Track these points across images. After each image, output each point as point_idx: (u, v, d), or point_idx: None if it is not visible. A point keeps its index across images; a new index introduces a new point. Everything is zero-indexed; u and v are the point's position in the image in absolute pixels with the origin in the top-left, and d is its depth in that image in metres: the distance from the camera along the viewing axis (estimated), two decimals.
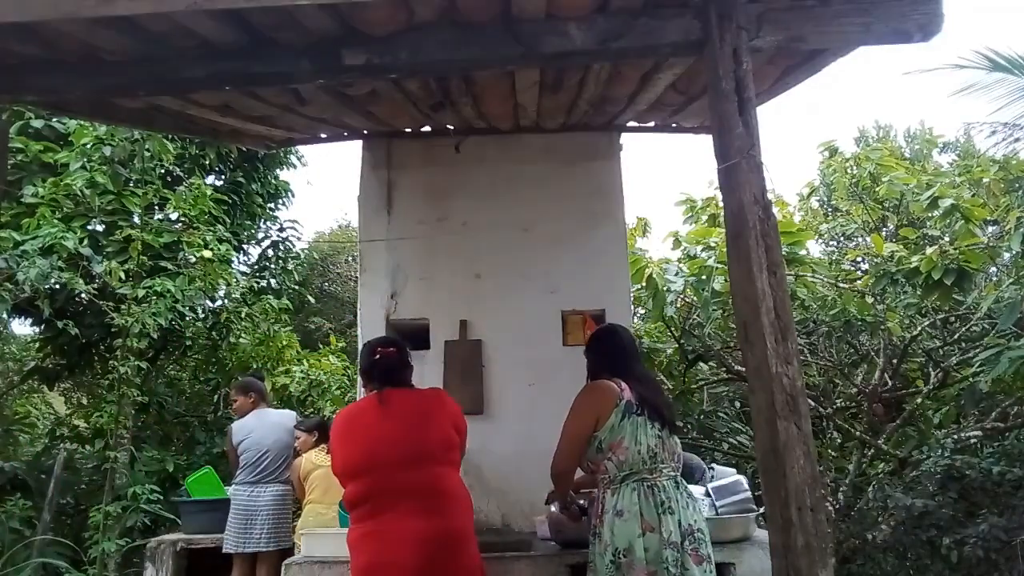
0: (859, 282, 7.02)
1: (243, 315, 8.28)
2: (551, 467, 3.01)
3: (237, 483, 5.15)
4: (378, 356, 2.99)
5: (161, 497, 6.99)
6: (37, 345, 8.52)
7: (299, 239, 10.43)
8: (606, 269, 4.38)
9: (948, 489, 5.87)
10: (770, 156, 2.35)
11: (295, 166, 10.29)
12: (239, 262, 9.50)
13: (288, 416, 5.37)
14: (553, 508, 3.38)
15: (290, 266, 9.93)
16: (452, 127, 4.28)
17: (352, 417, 2.97)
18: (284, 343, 9.00)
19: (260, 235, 9.98)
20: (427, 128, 4.40)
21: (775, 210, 2.46)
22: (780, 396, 2.16)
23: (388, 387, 2.93)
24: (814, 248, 9.17)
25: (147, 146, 7.03)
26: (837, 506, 6.71)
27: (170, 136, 7.10)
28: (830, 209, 9.91)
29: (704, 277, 5.82)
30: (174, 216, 7.94)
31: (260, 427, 5.21)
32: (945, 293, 5.76)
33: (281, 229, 10.14)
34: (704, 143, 6.61)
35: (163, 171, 7.83)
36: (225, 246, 7.80)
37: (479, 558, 2.89)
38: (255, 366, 8.43)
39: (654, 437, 2.87)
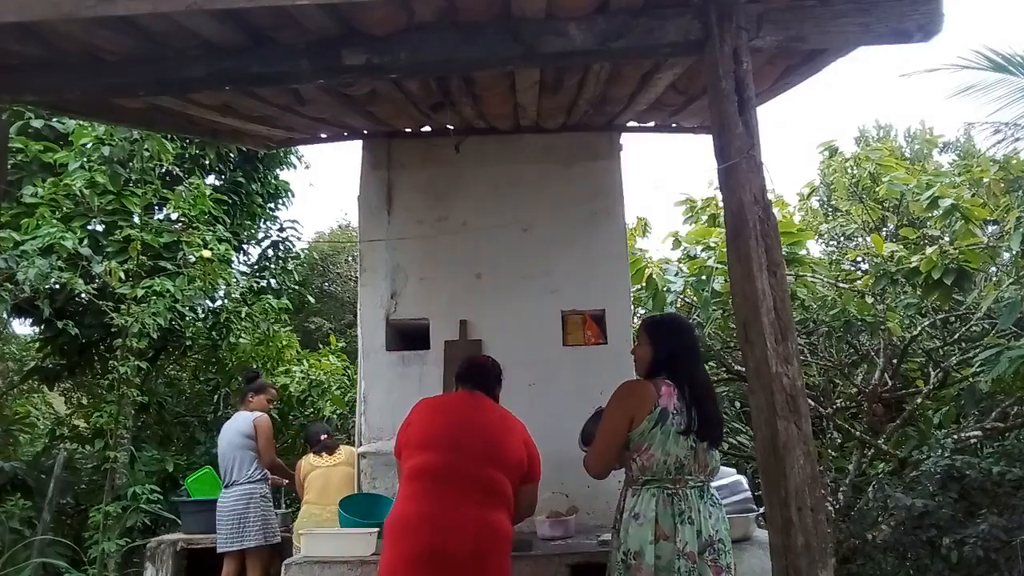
0: (859, 282, 7.02)
1: (243, 315, 8.28)
2: (586, 466, 2.95)
3: None
4: (473, 360, 3.30)
5: (161, 497, 7.00)
6: (37, 345, 8.51)
7: (299, 239, 10.44)
8: (606, 269, 4.38)
9: (948, 489, 5.87)
10: (770, 156, 2.35)
11: (295, 166, 10.28)
12: (239, 262, 9.50)
13: (244, 419, 5.27)
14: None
15: (290, 266, 9.92)
16: (452, 127, 4.28)
17: (443, 399, 3.21)
18: (284, 343, 9.00)
19: (260, 235, 9.97)
20: (427, 128, 4.40)
21: (775, 210, 2.46)
22: (780, 396, 2.16)
23: (477, 390, 3.10)
24: (814, 248, 9.19)
25: (146, 146, 7.02)
26: (837, 506, 6.71)
27: (170, 136, 7.09)
28: (830, 209, 9.91)
29: (704, 277, 5.83)
30: (174, 216, 7.94)
31: (222, 433, 5.30)
32: (945, 293, 5.76)
33: (281, 229, 10.14)
34: (704, 143, 6.61)
35: (163, 171, 7.83)
36: (225, 246, 7.79)
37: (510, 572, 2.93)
38: (255, 366, 8.43)
39: (685, 449, 2.77)
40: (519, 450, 2.97)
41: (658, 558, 2.69)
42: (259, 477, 5.12)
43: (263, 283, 9.14)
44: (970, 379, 6.66)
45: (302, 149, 9.83)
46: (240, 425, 5.19)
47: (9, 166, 6.55)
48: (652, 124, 4.44)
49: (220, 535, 5.03)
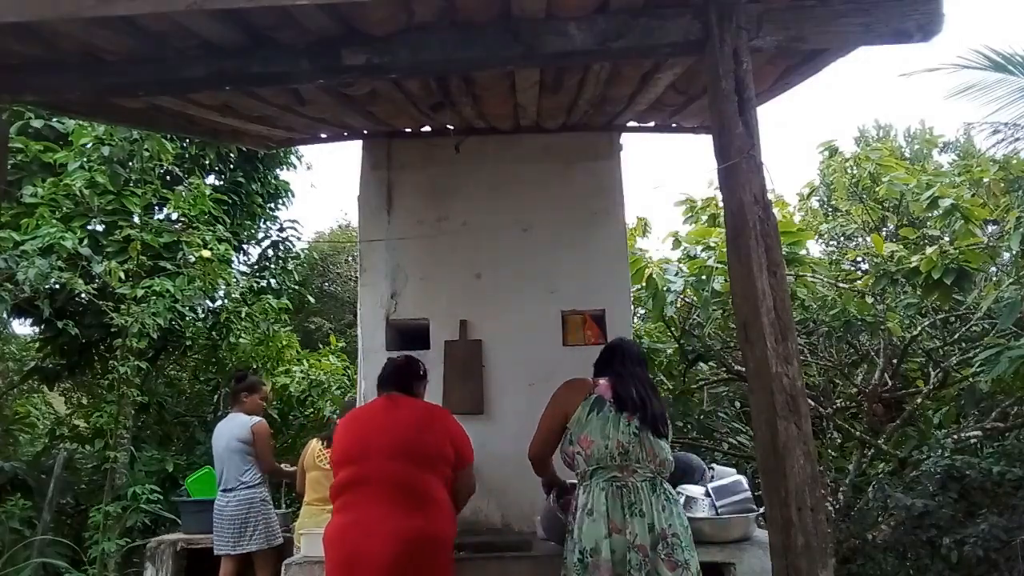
0: (859, 282, 7.01)
1: (243, 315, 8.27)
2: (529, 455, 3.14)
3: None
4: (391, 362, 3.29)
5: (161, 497, 7.00)
6: (37, 345, 8.51)
7: (299, 239, 10.43)
8: (606, 269, 4.38)
9: (948, 489, 5.86)
10: (770, 156, 2.35)
11: (295, 166, 10.29)
12: (239, 262, 9.50)
13: (240, 423, 5.20)
14: (550, 502, 3.37)
15: (290, 266, 9.92)
16: (452, 127, 4.28)
17: (359, 412, 3.21)
18: (284, 343, 9.00)
19: (260, 235, 9.97)
20: (427, 128, 4.40)
21: (775, 210, 2.46)
22: (780, 396, 2.16)
23: (396, 391, 3.12)
24: (814, 248, 9.18)
25: (146, 146, 7.03)
26: (837, 506, 6.70)
27: (170, 136, 7.10)
28: (830, 209, 9.90)
29: (704, 277, 5.82)
30: (174, 216, 7.95)
31: (217, 434, 5.24)
32: (945, 293, 5.75)
33: (281, 229, 10.14)
34: (704, 143, 6.61)
35: (162, 171, 7.83)
36: (225, 246, 7.79)
37: (452, 570, 2.94)
38: (255, 366, 8.43)
39: (628, 435, 2.84)
40: (440, 442, 2.99)
41: (613, 552, 2.71)
42: (258, 481, 5.08)
43: (263, 283, 9.14)
44: (970, 379, 6.65)
45: (302, 149, 9.84)
46: (236, 430, 5.12)
47: (9, 166, 6.55)
48: (652, 124, 4.44)
49: (218, 538, 5.00)
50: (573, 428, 2.93)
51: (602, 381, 3.02)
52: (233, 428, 5.17)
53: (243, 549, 4.95)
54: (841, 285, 6.90)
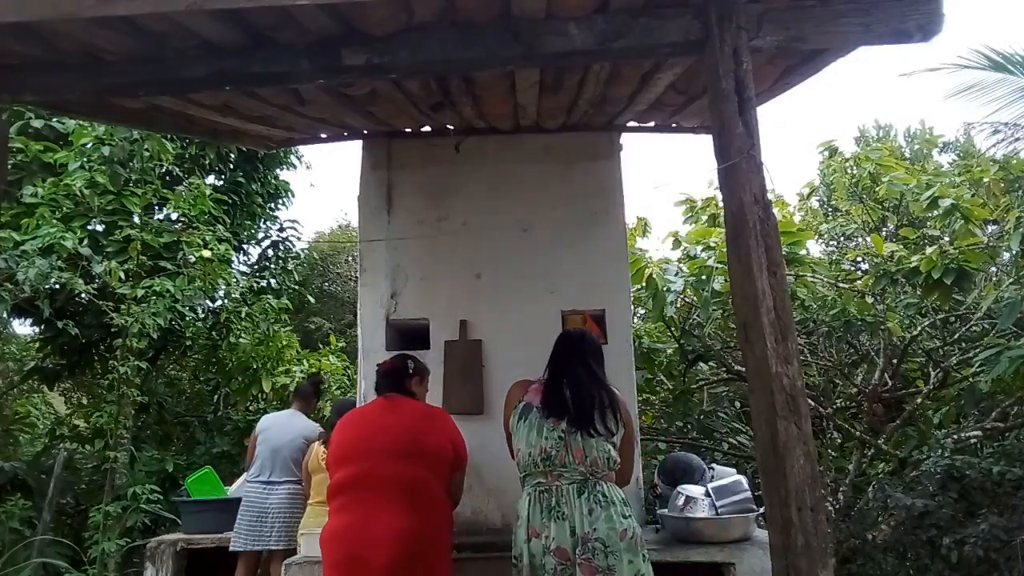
0: (859, 282, 7.01)
1: (243, 315, 8.28)
2: None
3: (250, 479, 5.13)
4: (379, 366, 3.28)
5: (161, 497, 7.00)
6: (37, 345, 8.53)
7: (299, 239, 10.45)
8: (606, 269, 4.37)
9: (948, 489, 5.86)
10: (770, 156, 2.35)
11: (295, 166, 10.30)
12: (239, 262, 9.51)
13: (311, 427, 5.26)
14: None
15: (290, 266, 9.93)
16: (452, 127, 4.28)
17: (358, 412, 3.21)
18: (284, 343, 9.00)
19: (260, 235, 9.98)
20: (427, 128, 4.40)
21: (775, 210, 2.46)
22: (780, 396, 2.16)
23: (391, 392, 3.13)
24: (814, 248, 9.18)
25: (146, 146, 7.04)
26: (837, 506, 6.70)
27: (170, 136, 7.10)
28: (830, 209, 9.91)
29: (704, 277, 5.82)
30: (174, 216, 7.95)
31: (278, 427, 5.23)
32: (945, 293, 5.76)
33: (281, 229, 10.15)
34: (704, 143, 6.61)
35: (163, 171, 7.83)
36: (225, 246, 7.80)
37: (451, 572, 2.94)
38: (255, 366, 8.43)
39: (552, 439, 2.80)
40: (441, 442, 2.99)
41: (532, 557, 2.70)
42: (300, 480, 5.11)
43: (263, 283, 9.15)
44: (970, 379, 6.66)
45: (302, 149, 9.85)
46: (306, 431, 5.14)
47: (9, 166, 6.55)
48: (652, 124, 4.43)
49: (248, 531, 4.90)
50: (512, 437, 2.95)
51: (534, 385, 2.99)
52: (303, 428, 5.18)
53: (286, 545, 4.86)
54: (841, 285, 6.90)
